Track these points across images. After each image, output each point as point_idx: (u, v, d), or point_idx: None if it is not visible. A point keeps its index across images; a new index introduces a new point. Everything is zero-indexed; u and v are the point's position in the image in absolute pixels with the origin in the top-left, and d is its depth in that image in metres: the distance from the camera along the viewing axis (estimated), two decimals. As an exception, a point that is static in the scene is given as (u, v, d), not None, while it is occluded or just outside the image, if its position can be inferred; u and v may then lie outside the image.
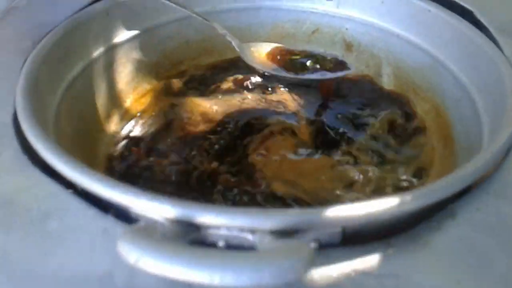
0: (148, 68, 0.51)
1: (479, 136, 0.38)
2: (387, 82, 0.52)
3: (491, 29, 0.43)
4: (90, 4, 0.46)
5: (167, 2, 0.46)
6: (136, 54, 0.50)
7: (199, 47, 0.54)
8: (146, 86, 0.51)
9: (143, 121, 0.48)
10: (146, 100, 0.50)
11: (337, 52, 0.54)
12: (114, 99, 0.48)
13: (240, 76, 0.52)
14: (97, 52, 0.46)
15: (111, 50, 0.47)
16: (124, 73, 0.49)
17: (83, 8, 0.46)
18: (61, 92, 0.41)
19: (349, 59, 0.54)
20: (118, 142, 0.45)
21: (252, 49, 0.50)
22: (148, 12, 0.50)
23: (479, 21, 0.44)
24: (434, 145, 0.45)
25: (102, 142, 0.45)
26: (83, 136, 0.42)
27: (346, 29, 0.53)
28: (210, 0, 0.53)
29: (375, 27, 0.51)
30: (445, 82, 0.45)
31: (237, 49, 0.50)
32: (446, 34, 0.45)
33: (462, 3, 0.45)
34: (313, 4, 0.53)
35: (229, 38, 0.50)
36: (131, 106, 0.49)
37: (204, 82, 0.52)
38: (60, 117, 0.39)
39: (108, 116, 0.47)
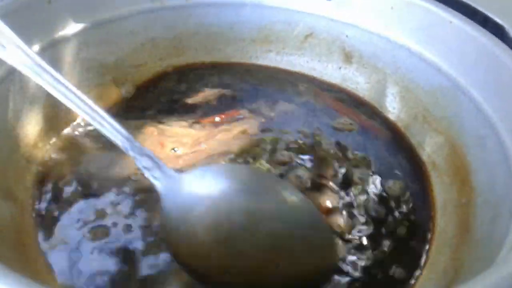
0: (101, 70, 0.42)
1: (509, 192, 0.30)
2: (391, 104, 0.43)
3: (528, 51, 0.34)
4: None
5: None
6: (86, 53, 0.40)
7: (168, 46, 0.45)
8: (97, 92, 0.41)
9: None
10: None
11: (334, 63, 0.46)
12: (51, 111, 0.38)
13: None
14: (33, 49, 0.36)
15: (53, 46, 0.38)
16: (70, 76, 0.39)
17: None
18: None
19: (347, 71, 0.45)
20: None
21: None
22: (104, 0, 0.41)
23: (513, 40, 0.35)
24: (446, 190, 0.37)
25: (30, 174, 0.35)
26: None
27: (346, 36, 0.44)
28: (184, -9, 0.44)
29: (381, 37, 0.42)
30: (465, 112, 0.36)
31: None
32: (470, 53, 0.36)
33: (493, 16, 0.36)
34: (308, 3, 0.44)
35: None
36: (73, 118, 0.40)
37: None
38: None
39: (42, 134, 0.37)
